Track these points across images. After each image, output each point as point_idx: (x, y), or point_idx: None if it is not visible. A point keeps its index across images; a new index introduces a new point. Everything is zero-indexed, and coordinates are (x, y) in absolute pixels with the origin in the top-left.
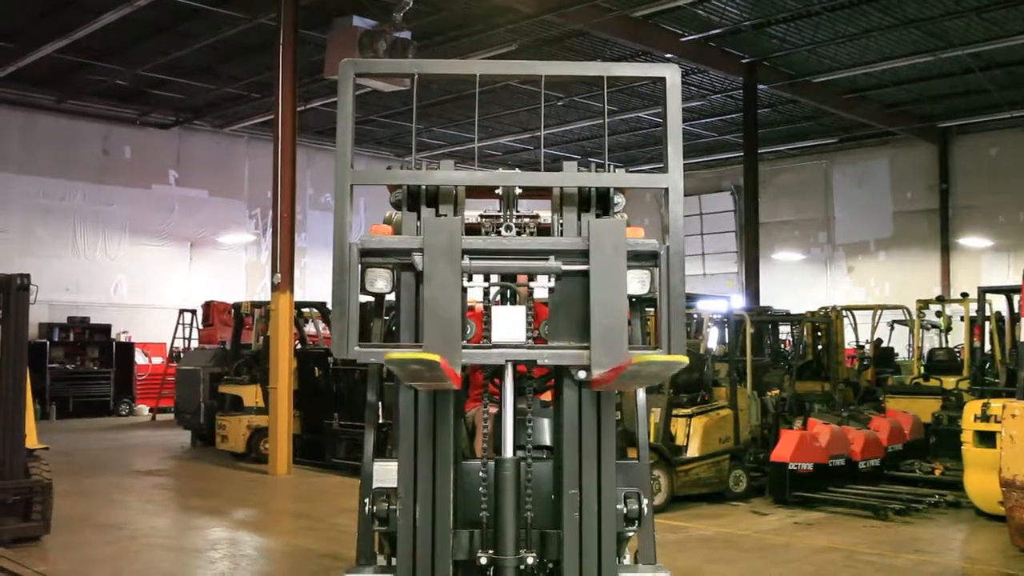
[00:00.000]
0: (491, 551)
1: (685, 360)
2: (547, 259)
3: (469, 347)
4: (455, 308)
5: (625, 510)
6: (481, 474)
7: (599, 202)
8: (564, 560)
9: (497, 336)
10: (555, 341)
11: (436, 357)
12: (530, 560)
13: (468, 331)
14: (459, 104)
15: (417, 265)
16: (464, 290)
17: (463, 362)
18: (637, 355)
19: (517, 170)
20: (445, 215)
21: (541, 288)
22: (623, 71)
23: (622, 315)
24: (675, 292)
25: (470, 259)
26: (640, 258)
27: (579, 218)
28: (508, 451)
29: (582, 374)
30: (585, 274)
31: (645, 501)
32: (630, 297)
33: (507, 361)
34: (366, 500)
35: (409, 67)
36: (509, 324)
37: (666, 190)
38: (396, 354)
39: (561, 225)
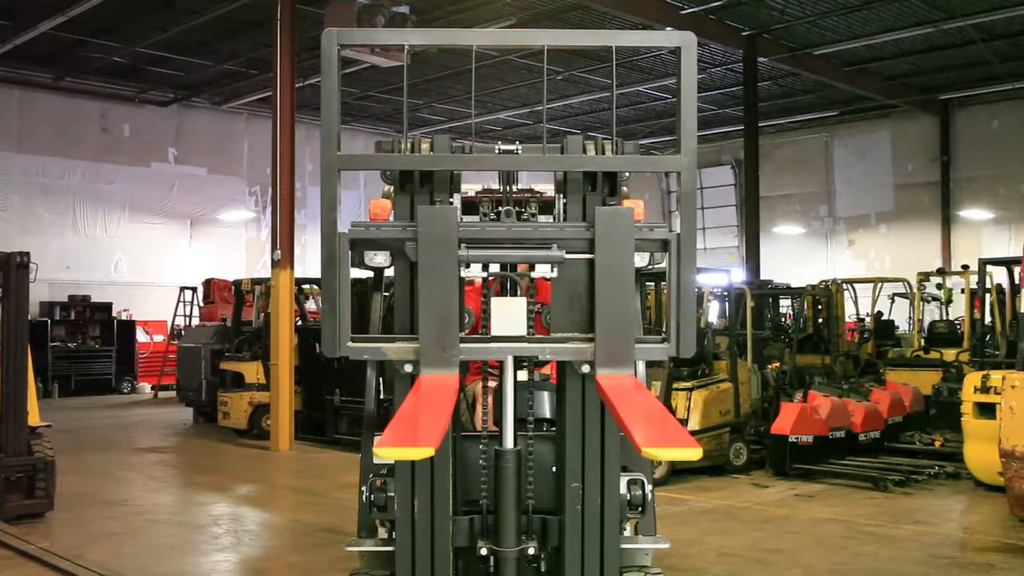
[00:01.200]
0: (491, 541)
1: (698, 454)
2: (549, 247)
3: (468, 340)
4: (452, 302)
5: (628, 496)
6: (481, 447)
7: (606, 181)
8: (566, 548)
9: (497, 329)
10: (557, 330)
11: (430, 451)
12: (531, 550)
13: (466, 320)
14: (458, 79)
15: (411, 255)
16: (462, 280)
17: (461, 358)
18: (644, 359)
19: (517, 145)
20: (440, 199)
21: (542, 271)
22: (633, 40)
23: (629, 309)
24: (686, 283)
25: (467, 248)
26: (648, 245)
27: (584, 199)
28: (509, 442)
29: (585, 368)
30: (590, 261)
31: (648, 487)
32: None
33: (507, 356)
34: (364, 487)
35: (402, 37)
36: (509, 316)
37: (679, 174)
38: (384, 451)
39: (565, 204)
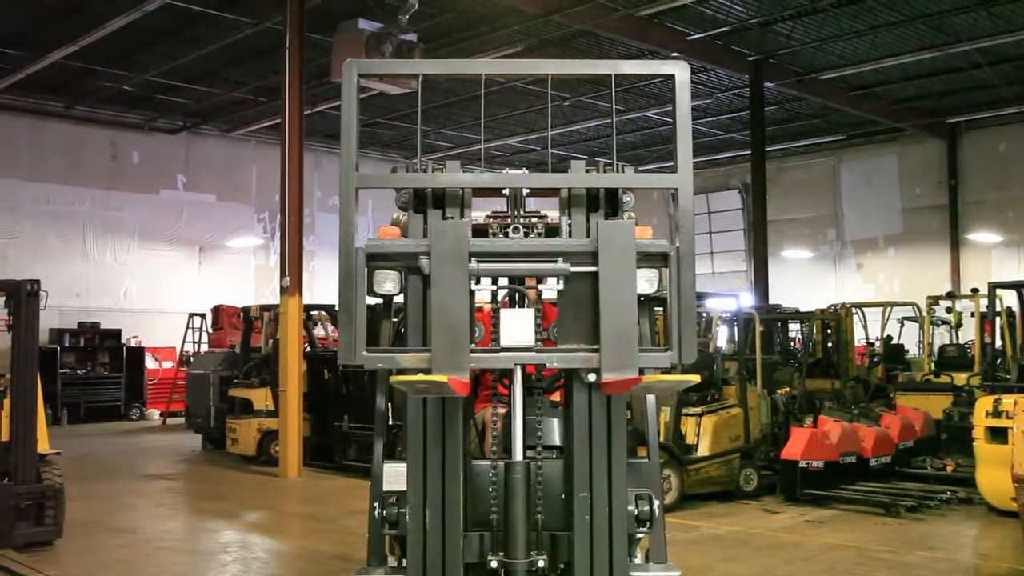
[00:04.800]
0: (502, 554)
1: (695, 379)
2: (555, 261)
3: (478, 351)
4: (463, 312)
5: (636, 511)
6: (491, 475)
7: (608, 202)
8: (575, 563)
9: (506, 339)
10: (564, 343)
11: (444, 378)
12: (541, 563)
13: (477, 334)
14: (466, 106)
15: (424, 269)
16: (472, 293)
17: (471, 366)
18: (648, 366)
19: (524, 170)
20: (452, 217)
21: (550, 290)
22: (632, 69)
23: (632, 317)
24: (685, 294)
25: (478, 262)
26: (649, 259)
27: (588, 218)
28: (518, 454)
29: (592, 376)
30: (594, 275)
31: (656, 502)
32: (639, 297)
33: (515, 365)
34: (376, 503)
35: (414, 67)
36: (517, 327)
37: (676, 190)
38: (405, 377)
39: (570, 225)
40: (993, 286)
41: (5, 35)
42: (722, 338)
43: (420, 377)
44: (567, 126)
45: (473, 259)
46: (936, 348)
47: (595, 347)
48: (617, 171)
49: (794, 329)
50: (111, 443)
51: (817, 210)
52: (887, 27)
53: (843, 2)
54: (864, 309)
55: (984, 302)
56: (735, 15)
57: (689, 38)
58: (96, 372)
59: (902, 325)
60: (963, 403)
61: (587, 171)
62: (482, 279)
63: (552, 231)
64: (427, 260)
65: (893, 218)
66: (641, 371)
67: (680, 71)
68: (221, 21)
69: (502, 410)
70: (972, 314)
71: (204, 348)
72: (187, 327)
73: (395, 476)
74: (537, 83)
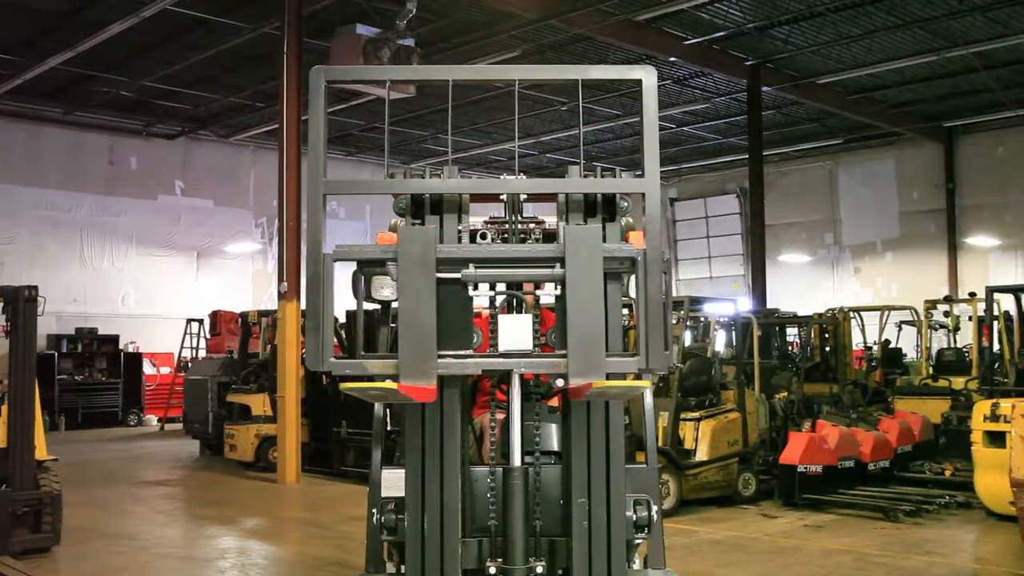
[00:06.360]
0: (500, 560)
1: (647, 384)
2: (553, 267)
3: (474, 356)
4: (429, 317)
5: (635, 517)
6: (489, 481)
7: (605, 207)
8: (574, 569)
9: (503, 344)
10: (562, 348)
11: (393, 385)
12: (539, 569)
13: (475, 339)
14: (463, 111)
15: (391, 274)
16: (470, 299)
17: (452, 372)
18: (616, 371)
19: (522, 176)
20: (448, 227)
21: (547, 295)
22: (599, 74)
23: (598, 322)
24: (652, 299)
25: (475, 267)
26: (618, 263)
27: (585, 223)
28: (516, 459)
29: (559, 382)
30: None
31: (654, 508)
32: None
33: (513, 370)
34: (374, 510)
35: (384, 73)
36: (514, 332)
37: (643, 195)
38: (354, 384)
39: (565, 231)
40: (991, 290)
41: (3, 41)
42: (720, 342)
43: (368, 384)
44: (564, 131)
45: (471, 265)
46: (934, 352)
47: (563, 352)
48: (615, 176)
49: (792, 333)
50: (109, 449)
51: (815, 214)
52: (884, 31)
53: (840, 6)
54: (862, 313)
55: (982, 306)
56: (732, 19)
57: (686, 42)
58: (94, 378)
59: (900, 329)
60: (961, 407)
61: (584, 176)
62: (479, 285)
63: (550, 236)
64: (394, 266)
65: (890, 222)
66: (638, 377)
67: (647, 75)
68: (219, 27)
69: (500, 416)
70: (970, 318)
71: (202, 354)
72: (185, 333)
73: (393, 482)
74: (534, 88)
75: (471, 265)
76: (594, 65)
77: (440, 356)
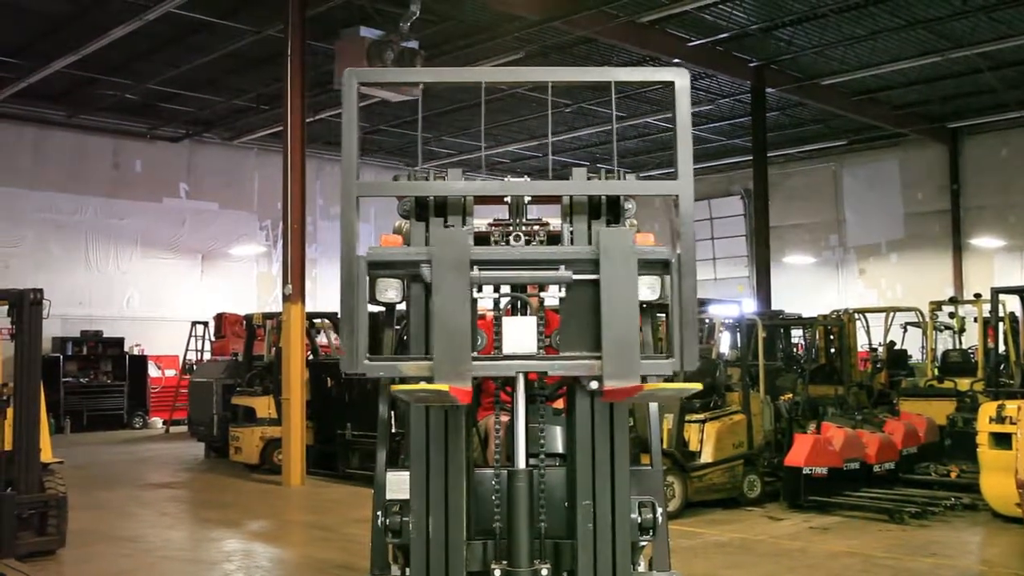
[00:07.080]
0: (505, 563)
1: (697, 387)
2: (557, 268)
3: (480, 359)
4: (464, 320)
5: (639, 519)
6: (494, 483)
7: (610, 209)
8: (579, 571)
9: (508, 347)
10: (567, 350)
11: (445, 387)
12: (544, 572)
13: (479, 342)
14: (468, 113)
15: (425, 277)
16: (474, 301)
17: (474, 375)
18: (650, 373)
19: (526, 178)
20: (453, 225)
21: (552, 297)
22: (630, 76)
23: (633, 325)
24: (687, 301)
25: (479, 270)
26: (650, 266)
27: (589, 226)
28: (521, 461)
29: (594, 384)
30: (596, 283)
31: (659, 510)
32: (641, 303)
33: (517, 373)
34: (379, 512)
35: (416, 75)
36: (520, 334)
37: (677, 197)
38: (406, 386)
39: (571, 233)
40: (996, 291)
41: (7, 44)
42: (725, 344)
43: (421, 386)
44: (569, 133)
45: (475, 267)
46: (939, 353)
47: (597, 355)
48: (619, 178)
49: (797, 335)
50: (114, 452)
51: (819, 215)
52: (888, 32)
53: (844, 7)
54: (867, 315)
55: (987, 307)
56: (736, 21)
57: (690, 44)
58: (99, 381)
59: (905, 330)
60: (967, 409)
61: (588, 178)
62: (484, 287)
63: (554, 239)
64: (428, 268)
65: (895, 223)
66: (644, 379)
67: (680, 78)
68: (222, 29)
69: (505, 418)
70: (975, 319)
71: (207, 356)
72: (190, 335)
73: (398, 484)
74: (538, 90)
75: (475, 267)
76: (626, 68)
77: (474, 358)
